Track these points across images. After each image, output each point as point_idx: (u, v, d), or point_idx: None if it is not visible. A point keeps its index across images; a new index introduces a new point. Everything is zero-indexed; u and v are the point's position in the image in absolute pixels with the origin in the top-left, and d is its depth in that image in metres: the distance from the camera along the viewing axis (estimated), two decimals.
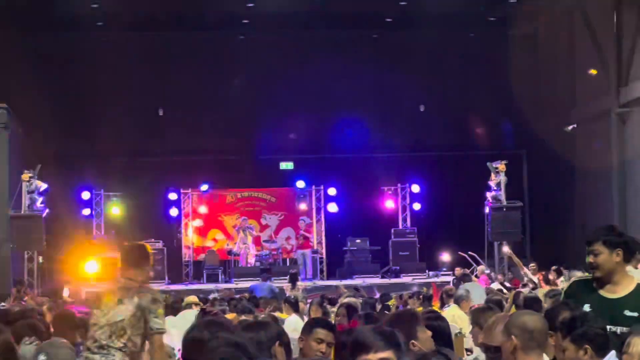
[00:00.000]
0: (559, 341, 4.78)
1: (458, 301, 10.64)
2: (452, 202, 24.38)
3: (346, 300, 10.82)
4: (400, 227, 25.18)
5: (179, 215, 25.29)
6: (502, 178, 21.98)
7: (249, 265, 23.55)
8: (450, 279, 20.13)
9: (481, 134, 25.82)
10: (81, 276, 21.66)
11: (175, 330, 9.46)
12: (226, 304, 12.62)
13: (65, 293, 20.14)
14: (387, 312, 10.59)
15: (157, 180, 24.82)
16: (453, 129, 25.17)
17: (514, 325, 4.41)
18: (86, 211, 24.69)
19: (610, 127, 20.89)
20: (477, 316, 6.71)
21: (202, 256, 24.66)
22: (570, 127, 22.81)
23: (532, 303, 8.87)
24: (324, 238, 25.57)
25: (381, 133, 25.31)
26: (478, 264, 21.17)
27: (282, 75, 24.80)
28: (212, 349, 3.20)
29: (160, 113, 25.05)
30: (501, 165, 22.04)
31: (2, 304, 14.43)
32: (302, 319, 10.11)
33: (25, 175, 20.97)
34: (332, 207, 25.31)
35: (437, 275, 22.56)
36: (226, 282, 22.83)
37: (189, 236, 25.32)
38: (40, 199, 21.25)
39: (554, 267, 16.82)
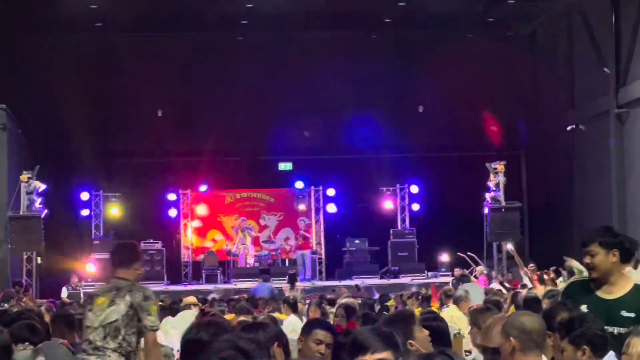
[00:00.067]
0: (557, 342, 4.78)
1: (457, 302, 10.64)
2: (451, 202, 24.36)
3: (344, 300, 10.83)
4: (399, 227, 25.19)
5: (178, 216, 25.28)
6: (501, 179, 22.01)
7: (248, 266, 23.56)
8: (449, 279, 20.13)
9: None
10: (80, 277, 21.66)
11: (174, 330, 9.47)
12: (225, 305, 12.63)
13: (64, 294, 20.20)
14: (385, 312, 10.59)
15: (156, 181, 24.83)
16: (452, 130, 25.17)
17: (512, 326, 4.42)
18: (85, 212, 24.68)
19: (609, 127, 20.89)
20: (476, 317, 6.71)
21: (201, 257, 24.66)
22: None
23: (532, 303, 8.87)
24: (322, 239, 25.58)
25: (380, 134, 25.31)
26: (477, 264, 21.20)
27: (280, 76, 24.81)
28: (214, 351, 3.20)
29: (159, 114, 25.03)
30: (500, 166, 22.07)
31: (4, 304, 14.42)
32: (301, 319, 10.11)
33: (24, 176, 20.98)
34: (331, 208, 25.32)
35: (436, 276, 22.57)
36: (225, 282, 22.85)
37: (188, 237, 25.32)
38: (39, 200, 21.26)
39: (552, 268, 16.83)
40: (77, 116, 23.72)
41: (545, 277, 16.07)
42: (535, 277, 16.43)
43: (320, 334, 4.91)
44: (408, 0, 22.96)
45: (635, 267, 9.77)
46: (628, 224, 19.79)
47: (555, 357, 4.88)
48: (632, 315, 5.23)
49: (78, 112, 23.71)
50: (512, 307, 10.61)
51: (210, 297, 16.29)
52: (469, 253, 21.74)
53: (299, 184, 25.32)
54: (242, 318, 8.96)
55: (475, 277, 19.32)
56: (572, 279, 6.58)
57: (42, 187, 21.35)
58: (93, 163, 24.41)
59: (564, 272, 16.09)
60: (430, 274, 22.90)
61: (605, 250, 5.38)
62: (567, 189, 23.94)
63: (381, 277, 23.11)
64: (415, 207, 25.45)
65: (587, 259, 5.45)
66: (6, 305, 13.96)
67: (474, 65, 24.81)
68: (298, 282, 20.46)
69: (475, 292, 12.61)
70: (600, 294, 5.42)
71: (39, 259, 21.53)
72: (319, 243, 25.45)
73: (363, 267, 23.31)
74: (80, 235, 23.99)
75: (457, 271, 20.07)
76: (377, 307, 12.35)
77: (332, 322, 7.19)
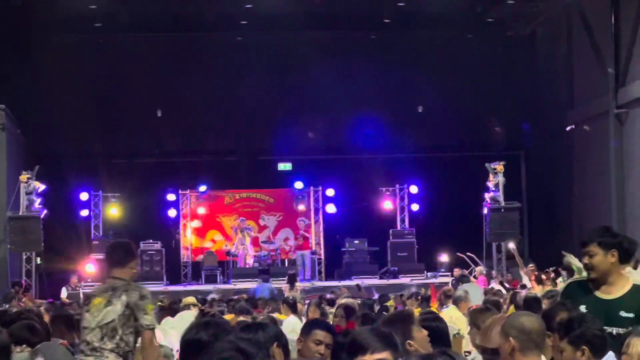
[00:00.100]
0: (556, 342, 4.78)
1: (456, 302, 10.65)
2: (451, 203, 24.37)
3: (344, 301, 10.84)
4: (399, 228, 25.18)
5: (178, 216, 25.28)
6: (501, 179, 22.01)
7: (247, 266, 23.55)
8: (448, 279, 20.13)
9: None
10: (79, 277, 21.65)
11: (173, 331, 9.48)
12: (225, 305, 12.63)
13: (63, 294, 20.19)
14: (385, 313, 10.59)
15: (155, 182, 24.81)
16: (451, 130, 25.17)
17: (511, 326, 4.42)
18: (84, 212, 24.67)
19: (608, 127, 20.90)
20: (475, 317, 6.71)
21: (200, 257, 24.66)
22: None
23: (532, 303, 8.88)
24: (322, 239, 25.57)
25: (379, 134, 25.30)
26: (476, 264, 21.21)
27: (280, 77, 24.81)
28: (216, 352, 3.19)
29: (159, 114, 25.03)
30: (499, 166, 22.08)
31: (6, 305, 14.42)
32: (300, 320, 10.11)
33: (24, 177, 20.98)
34: (331, 208, 25.31)
35: (435, 276, 22.56)
36: (224, 283, 22.84)
37: (188, 237, 25.31)
38: (38, 200, 21.25)
39: (551, 268, 16.84)
40: (77, 116, 23.72)
41: (543, 277, 16.09)
42: (532, 277, 16.44)
43: (319, 334, 4.91)
44: (407, 1, 22.97)
45: (635, 268, 9.78)
46: (627, 224, 19.80)
47: (554, 358, 4.88)
48: (631, 315, 5.24)
49: (77, 113, 23.71)
50: (512, 308, 10.62)
51: (209, 297, 16.29)
52: (468, 253, 21.75)
53: (299, 184, 25.31)
54: (241, 318, 8.97)
55: (474, 277, 19.34)
56: (570, 280, 6.59)
57: (41, 187, 21.35)
58: (92, 163, 24.42)
59: (564, 272, 16.12)
60: (429, 274, 22.89)
61: (603, 250, 5.38)
62: (567, 189, 23.94)
63: (380, 278, 23.11)
64: (415, 207, 25.44)
65: (586, 259, 5.45)
66: (6, 306, 13.96)
67: (473, 65, 24.82)
68: (297, 282, 20.45)
69: (475, 293, 12.62)
70: (599, 294, 5.42)
71: (38, 259, 21.53)
72: (318, 243, 25.44)
73: (362, 267, 23.30)
74: (79, 236, 23.97)
75: (457, 271, 20.08)
76: (376, 308, 12.35)
77: (331, 323, 7.19)
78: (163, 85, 24.78)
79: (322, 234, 25.58)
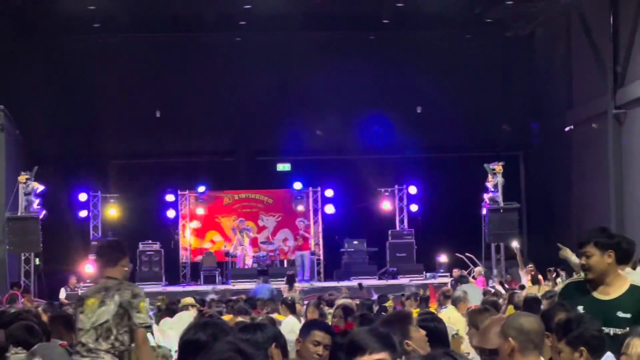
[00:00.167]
0: (555, 343, 4.78)
1: (455, 302, 10.64)
2: (450, 203, 24.38)
3: (342, 301, 10.83)
4: (398, 228, 25.18)
5: (176, 217, 25.26)
6: (499, 179, 22.01)
7: (246, 267, 23.55)
8: (447, 280, 20.14)
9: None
10: (78, 278, 21.65)
11: (172, 331, 9.47)
12: (223, 306, 12.63)
13: (62, 295, 20.19)
14: (384, 313, 10.59)
15: (154, 182, 24.81)
16: (450, 131, 25.18)
17: (511, 327, 4.41)
18: (83, 213, 24.65)
19: (607, 128, 20.91)
20: (474, 318, 6.69)
21: (199, 258, 24.65)
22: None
23: (531, 303, 8.89)
24: (321, 239, 25.56)
25: (378, 134, 25.31)
26: (475, 265, 21.20)
27: (278, 77, 24.80)
28: (215, 352, 3.19)
29: (157, 115, 25.02)
30: (498, 167, 22.08)
31: (11, 306, 14.39)
32: (299, 320, 10.11)
33: (22, 177, 20.96)
34: (329, 209, 25.30)
35: (434, 277, 22.56)
36: (223, 283, 22.84)
37: (187, 238, 25.31)
38: (37, 201, 21.24)
39: (551, 269, 16.85)
40: (76, 117, 23.74)
41: (540, 277, 16.10)
42: (529, 277, 16.45)
43: (318, 335, 4.90)
44: (406, 1, 22.97)
45: (634, 268, 9.79)
46: (626, 224, 19.82)
47: (553, 358, 4.87)
48: (628, 315, 5.24)
49: (76, 113, 23.73)
50: (510, 308, 10.62)
51: (208, 298, 16.28)
52: (467, 254, 21.75)
53: (298, 185, 25.30)
54: (240, 319, 8.96)
55: (473, 277, 19.34)
56: (568, 280, 6.58)
57: (40, 188, 21.34)
58: (91, 164, 24.42)
59: (562, 273, 16.13)
60: (428, 274, 22.89)
61: (600, 251, 5.38)
62: (565, 189, 23.95)
63: (379, 278, 23.11)
64: (414, 208, 25.43)
65: (583, 260, 5.46)
66: (8, 306, 13.94)
67: (472, 66, 24.83)
68: (296, 283, 20.46)
69: (474, 293, 12.62)
70: (596, 294, 5.43)
71: (37, 260, 21.52)
72: (317, 244, 25.44)
73: (361, 267, 23.30)
74: (78, 237, 23.96)
75: (456, 272, 20.09)
76: (375, 308, 12.35)
77: (330, 323, 7.18)
78: (162, 85, 24.78)
79: (321, 235, 25.58)
